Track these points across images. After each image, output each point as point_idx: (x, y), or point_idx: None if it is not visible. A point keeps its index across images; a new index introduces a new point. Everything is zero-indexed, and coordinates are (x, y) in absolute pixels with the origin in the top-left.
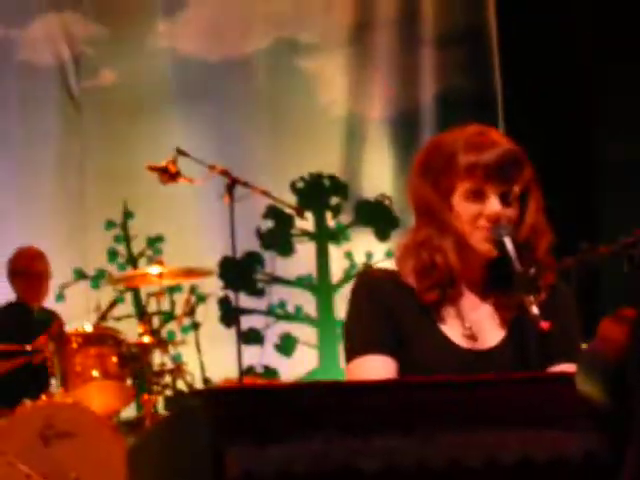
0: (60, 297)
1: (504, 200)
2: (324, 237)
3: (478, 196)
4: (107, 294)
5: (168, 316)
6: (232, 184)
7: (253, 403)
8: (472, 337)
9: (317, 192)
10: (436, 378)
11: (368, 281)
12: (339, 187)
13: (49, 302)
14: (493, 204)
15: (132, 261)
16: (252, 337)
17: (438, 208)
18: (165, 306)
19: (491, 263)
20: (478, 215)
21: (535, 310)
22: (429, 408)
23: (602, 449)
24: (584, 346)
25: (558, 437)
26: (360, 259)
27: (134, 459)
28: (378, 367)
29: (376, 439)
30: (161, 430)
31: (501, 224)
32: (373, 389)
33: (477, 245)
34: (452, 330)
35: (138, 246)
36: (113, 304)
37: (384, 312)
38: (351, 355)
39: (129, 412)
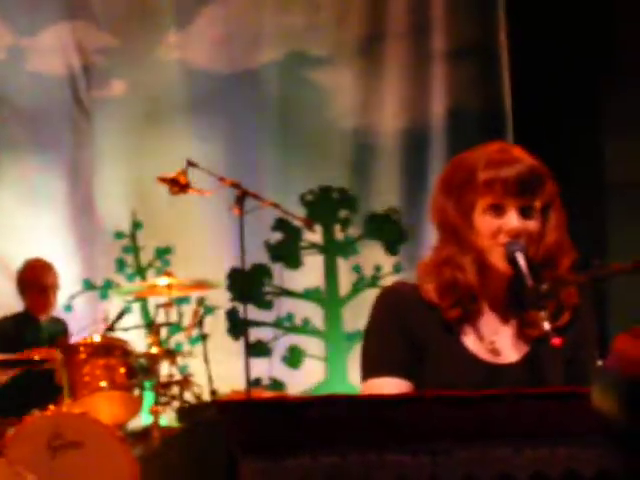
0: (68, 308)
1: (524, 214)
2: (333, 250)
3: (498, 211)
4: (115, 305)
5: (176, 327)
6: (242, 196)
7: (270, 416)
8: (495, 352)
9: (326, 205)
10: (450, 393)
11: (391, 297)
12: (348, 200)
13: (57, 312)
14: (512, 219)
15: (141, 272)
16: (260, 349)
17: (460, 225)
18: (173, 317)
19: (513, 281)
20: (498, 230)
21: (547, 326)
22: (444, 423)
23: (615, 466)
24: (599, 363)
25: (572, 453)
26: (369, 272)
27: (148, 469)
28: (393, 389)
29: (391, 454)
30: (176, 440)
31: (515, 241)
32: (389, 403)
33: (496, 263)
34: (475, 345)
35: (147, 257)
36: (121, 315)
37: (404, 331)
38: (367, 374)
39: (136, 423)
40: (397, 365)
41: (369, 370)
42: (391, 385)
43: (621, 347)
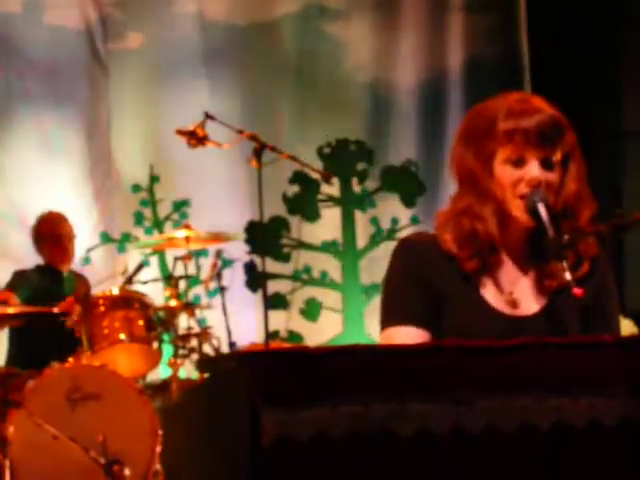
0: (87, 260)
1: (545, 165)
2: (350, 203)
3: (518, 161)
4: (134, 258)
5: (194, 280)
6: (260, 149)
7: (291, 366)
8: (513, 304)
9: (343, 158)
10: (473, 342)
11: (409, 247)
12: (365, 153)
13: (75, 265)
14: (533, 169)
15: (158, 225)
16: (277, 302)
17: (479, 175)
18: (191, 270)
19: (533, 232)
20: (519, 180)
21: (568, 276)
22: (466, 372)
23: (637, 414)
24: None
25: (594, 402)
26: (386, 225)
27: (168, 421)
28: (410, 338)
29: (413, 403)
30: (196, 392)
31: (536, 191)
32: (410, 352)
33: (516, 214)
34: (493, 296)
35: (164, 210)
36: (139, 268)
37: (422, 281)
38: (386, 323)
39: (155, 375)
40: (415, 314)
41: (387, 319)
42: (409, 334)
43: None
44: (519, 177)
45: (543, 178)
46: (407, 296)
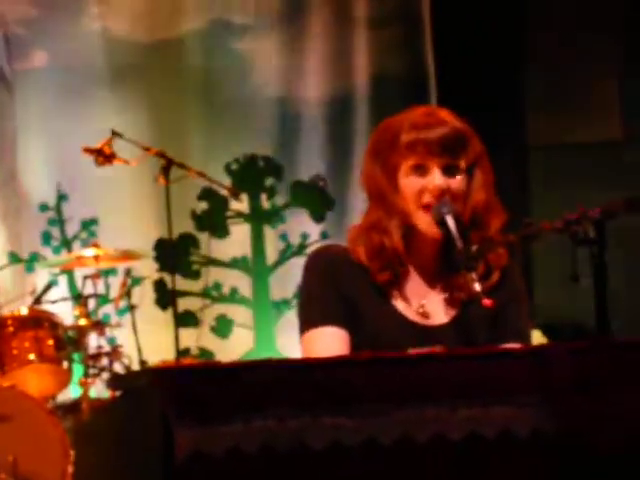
0: None
1: (447, 173)
2: (259, 218)
3: (421, 171)
4: (42, 278)
5: (104, 299)
6: (167, 165)
7: (204, 382)
8: (424, 315)
9: (252, 173)
10: (385, 354)
11: (323, 257)
12: (274, 168)
13: None
14: (435, 177)
15: (67, 244)
16: (188, 319)
17: (385, 190)
18: (101, 289)
19: (442, 243)
20: (422, 190)
21: (477, 287)
22: (379, 384)
23: (549, 424)
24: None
25: (506, 413)
26: (295, 240)
27: (79, 441)
28: (332, 338)
29: (326, 417)
30: (108, 410)
31: (443, 202)
32: (323, 366)
33: (423, 226)
34: (404, 307)
35: (72, 229)
36: (48, 287)
37: (337, 289)
38: (306, 327)
39: (65, 395)
40: (334, 315)
41: (307, 323)
42: (329, 334)
43: None
44: (422, 186)
45: (446, 186)
46: (325, 299)
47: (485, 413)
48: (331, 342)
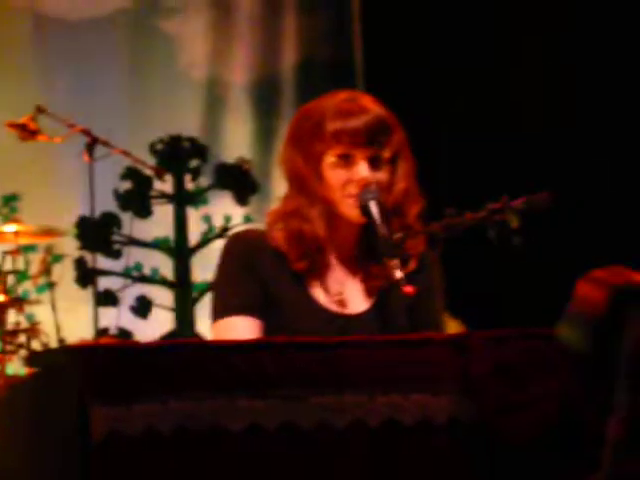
0: None
1: (373, 165)
2: (182, 200)
3: (346, 162)
4: None
5: (23, 275)
6: (92, 143)
7: (121, 361)
8: (341, 303)
9: (176, 154)
10: (303, 338)
11: (240, 242)
12: (199, 150)
13: None
14: (361, 169)
15: None
16: (108, 298)
17: (307, 177)
18: (20, 265)
19: (364, 231)
20: (347, 181)
21: (399, 274)
22: (296, 369)
23: (466, 412)
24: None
25: (423, 400)
26: (218, 222)
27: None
28: (243, 328)
29: (242, 400)
30: (24, 387)
31: (368, 189)
32: (240, 348)
33: (346, 212)
34: (322, 296)
35: None
36: None
37: (254, 275)
38: (217, 315)
39: None
40: (247, 305)
41: (219, 311)
42: (241, 324)
43: (582, 292)
44: (348, 178)
45: (372, 178)
46: (239, 286)
47: (404, 400)
48: (242, 333)
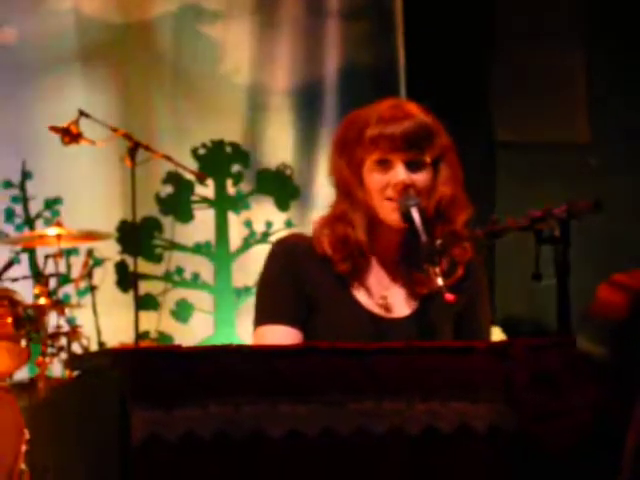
0: None
1: (411, 168)
2: (224, 204)
3: (385, 166)
4: (3, 255)
5: (65, 278)
6: (134, 147)
7: (162, 365)
8: (384, 307)
9: (218, 159)
10: (344, 344)
11: (285, 247)
12: (241, 155)
13: None
14: (399, 172)
15: (29, 222)
16: (148, 302)
17: (351, 183)
18: (62, 268)
19: (406, 236)
20: (385, 185)
21: (440, 282)
22: (337, 375)
23: (507, 421)
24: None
25: (464, 408)
26: (259, 228)
27: (35, 419)
28: (283, 337)
29: (284, 405)
30: (65, 390)
31: (408, 195)
32: (282, 354)
33: (385, 216)
34: (365, 298)
35: (36, 207)
36: (9, 265)
37: (297, 281)
38: (259, 322)
39: (22, 374)
40: (288, 313)
41: (260, 318)
42: (281, 333)
43: (604, 296)
44: (386, 182)
45: (409, 181)
46: (281, 295)
47: (443, 407)
48: (281, 341)
